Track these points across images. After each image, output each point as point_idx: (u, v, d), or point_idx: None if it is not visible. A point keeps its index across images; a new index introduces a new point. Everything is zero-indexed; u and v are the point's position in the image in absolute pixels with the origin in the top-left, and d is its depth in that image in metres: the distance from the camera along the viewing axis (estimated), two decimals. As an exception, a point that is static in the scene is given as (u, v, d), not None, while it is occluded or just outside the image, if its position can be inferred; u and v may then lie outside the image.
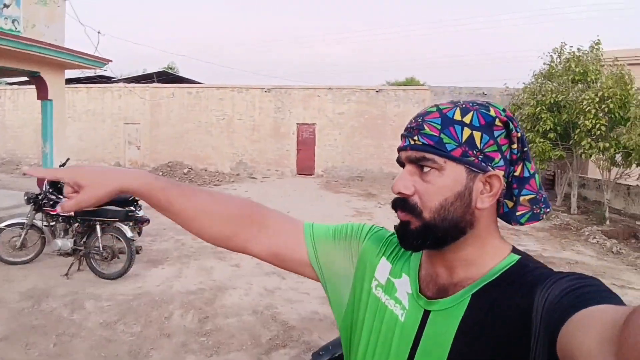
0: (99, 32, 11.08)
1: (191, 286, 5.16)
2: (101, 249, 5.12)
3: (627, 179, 10.32)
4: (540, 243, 8.27)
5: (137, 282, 5.17)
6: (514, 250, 0.73)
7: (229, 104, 18.20)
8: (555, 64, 12.39)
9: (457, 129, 0.69)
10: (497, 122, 0.70)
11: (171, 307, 4.51)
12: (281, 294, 5.01)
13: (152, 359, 3.53)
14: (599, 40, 11.70)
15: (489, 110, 0.70)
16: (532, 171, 0.73)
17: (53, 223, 5.36)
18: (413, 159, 0.71)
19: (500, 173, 0.70)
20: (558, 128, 11.21)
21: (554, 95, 10.84)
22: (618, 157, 9.93)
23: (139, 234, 5.85)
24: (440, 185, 0.69)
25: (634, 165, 9.50)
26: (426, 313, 0.72)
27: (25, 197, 5.40)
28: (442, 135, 0.69)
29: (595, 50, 11.61)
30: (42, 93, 8.91)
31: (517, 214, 0.74)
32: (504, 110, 0.72)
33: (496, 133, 0.70)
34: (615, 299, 0.55)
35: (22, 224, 5.37)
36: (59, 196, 5.34)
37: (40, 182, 6.10)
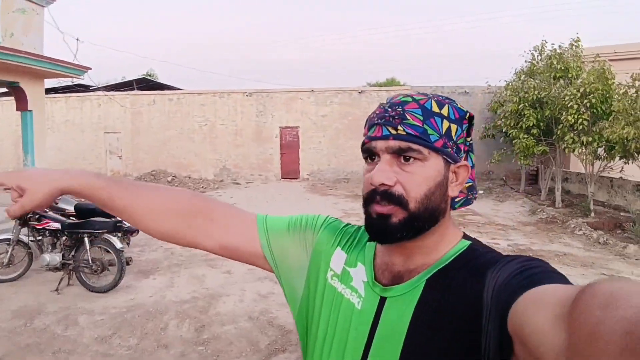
0: (77, 40, 10.90)
1: (184, 295, 5.11)
2: (90, 261, 5.02)
3: (610, 171, 10.49)
4: (528, 237, 8.40)
5: (129, 294, 5.09)
6: (465, 236, 0.76)
7: (211, 110, 18.06)
8: (537, 62, 12.60)
9: (437, 120, 0.70)
10: (467, 116, 0.74)
11: (166, 318, 4.46)
12: (275, 298, 4.99)
13: (150, 373, 3.50)
14: (578, 37, 11.97)
15: (457, 105, 0.74)
16: (474, 161, 0.78)
17: (40, 237, 5.24)
18: (396, 149, 0.70)
19: (467, 163, 0.74)
20: (541, 124, 11.39)
21: (536, 92, 11.01)
22: (601, 151, 10.11)
23: (128, 244, 5.77)
24: (425, 176, 0.69)
25: (617, 158, 9.68)
26: (382, 300, 0.73)
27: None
28: (425, 126, 0.69)
29: (575, 47, 11.85)
30: (22, 104, 8.74)
31: (455, 199, 0.77)
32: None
33: (464, 126, 0.74)
34: (561, 279, 0.57)
35: (8, 240, 5.24)
36: (45, 210, 5.24)
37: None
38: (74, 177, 0.81)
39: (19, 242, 5.28)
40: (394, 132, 0.70)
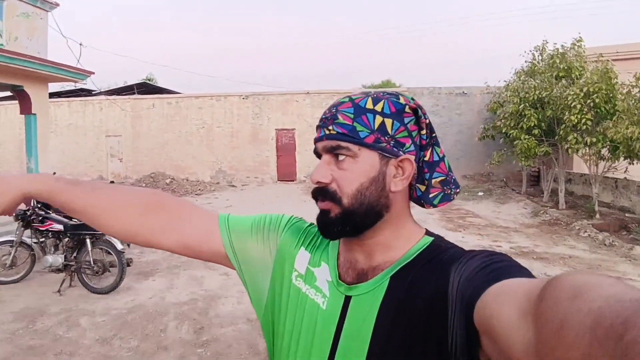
0: (80, 44, 10.99)
1: (183, 297, 5.14)
2: (92, 263, 5.07)
3: (614, 172, 10.38)
4: (531, 239, 8.33)
5: (130, 296, 5.13)
6: (428, 233, 0.77)
7: (208, 113, 18.18)
8: (538, 61, 12.52)
9: (369, 117, 0.71)
10: (407, 109, 0.73)
11: (166, 319, 4.48)
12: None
13: (150, 374, 3.53)
14: (580, 37, 11.86)
15: (398, 99, 0.73)
16: (441, 155, 0.77)
17: (42, 239, 5.29)
18: (329, 148, 0.72)
19: (412, 157, 0.73)
20: (542, 124, 11.29)
21: (537, 92, 10.92)
22: (605, 151, 10.00)
23: (129, 245, 5.82)
24: (356, 172, 0.71)
25: (621, 159, 9.58)
26: (347, 299, 0.73)
27: (13, 214, 5.32)
28: (355, 124, 0.70)
29: (577, 47, 11.76)
30: (26, 107, 8.79)
31: (430, 196, 0.77)
32: (412, 99, 0.75)
33: (406, 120, 0.73)
34: (526, 273, 0.58)
35: (11, 241, 5.30)
36: (48, 211, 5.29)
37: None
38: (34, 181, 0.81)
39: (21, 243, 5.34)
40: (327, 132, 0.73)
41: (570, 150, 10.38)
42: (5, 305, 4.80)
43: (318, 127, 0.75)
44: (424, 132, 0.75)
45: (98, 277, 5.18)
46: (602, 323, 0.33)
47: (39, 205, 5.31)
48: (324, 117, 0.75)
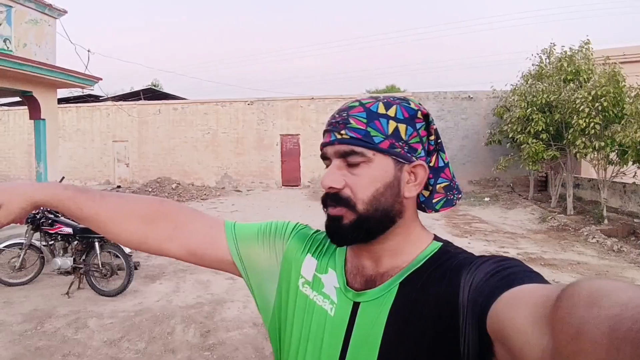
0: (88, 51, 11.13)
1: (190, 300, 5.16)
2: (100, 266, 5.11)
3: (622, 177, 10.25)
4: (539, 245, 8.26)
5: (137, 298, 5.15)
6: (436, 238, 0.76)
7: (214, 118, 18.34)
8: (545, 65, 12.39)
9: (382, 122, 0.70)
10: (419, 114, 0.73)
11: (173, 322, 4.49)
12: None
13: (157, 376, 3.54)
14: (588, 40, 11.73)
15: (409, 104, 0.73)
16: (446, 161, 0.77)
17: (52, 242, 5.33)
18: (342, 153, 0.71)
19: (424, 163, 0.73)
20: (550, 128, 11.17)
21: (545, 96, 10.80)
22: (613, 156, 9.90)
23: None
24: (370, 177, 0.70)
25: (630, 163, 9.48)
26: (356, 305, 0.72)
27: (23, 222, 5.38)
28: (369, 129, 0.70)
29: (584, 49, 11.63)
30: (35, 112, 8.91)
31: (433, 201, 0.78)
32: (420, 104, 0.76)
33: (418, 125, 0.72)
34: (538, 278, 0.57)
35: (21, 244, 5.35)
36: (57, 214, 5.34)
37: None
38: (43, 190, 0.81)
39: (31, 246, 5.39)
40: (339, 136, 0.71)
41: (578, 155, 10.27)
42: (14, 306, 4.84)
43: (327, 131, 0.74)
44: (432, 137, 0.75)
45: (106, 279, 5.22)
46: (620, 329, 0.33)
47: (48, 209, 5.36)
48: (333, 120, 0.73)
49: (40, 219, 5.27)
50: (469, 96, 16.57)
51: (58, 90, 9.71)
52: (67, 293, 5.14)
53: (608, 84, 9.38)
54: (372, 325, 0.69)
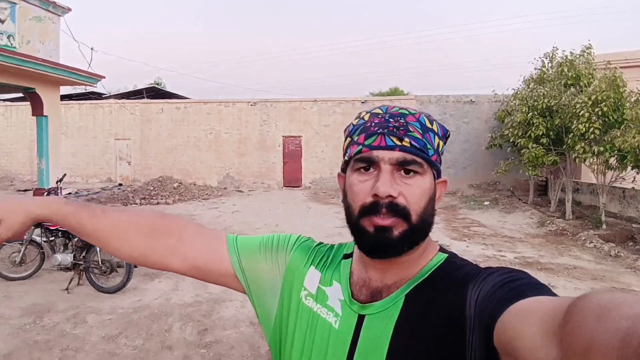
0: (92, 49, 11.18)
1: (188, 299, 5.20)
2: (100, 263, 5.15)
3: (622, 182, 10.26)
4: (536, 249, 8.28)
5: (136, 296, 5.20)
6: (441, 249, 0.76)
7: (216, 118, 18.39)
8: (547, 69, 12.34)
9: (431, 136, 0.71)
10: (448, 134, 0.76)
11: (170, 320, 4.53)
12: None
13: (154, 372, 3.57)
14: (590, 44, 11.66)
15: (439, 123, 0.75)
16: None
17: (52, 238, 5.38)
18: (402, 161, 0.68)
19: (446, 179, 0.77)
20: (551, 133, 11.15)
21: (546, 100, 10.79)
22: (612, 160, 9.88)
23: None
24: (424, 189, 0.69)
25: (629, 168, 9.47)
26: (361, 317, 0.72)
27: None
28: (424, 140, 0.69)
29: (586, 54, 11.57)
30: (38, 109, 8.95)
31: None
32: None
33: (446, 143, 0.75)
34: (546, 291, 0.57)
35: (21, 240, 5.41)
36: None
37: (38, 196, 6.13)
38: (43, 205, 0.82)
39: (31, 242, 5.44)
40: (399, 143, 0.68)
41: (577, 160, 10.28)
42: (13, 300, 4.89)
43: (378, 134, 0.70)
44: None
45: (106, 276, 5.26)
46: (631, 343, 0.33)
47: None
48: (389, 124, 0.70)
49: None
50: (471, 100, 16.59)
51: (61, 86, 9.76)
52: (67, 289, 5.19)
53: (608, 89, 9.37)
54: (377, 338, 0.69)
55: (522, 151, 11.65)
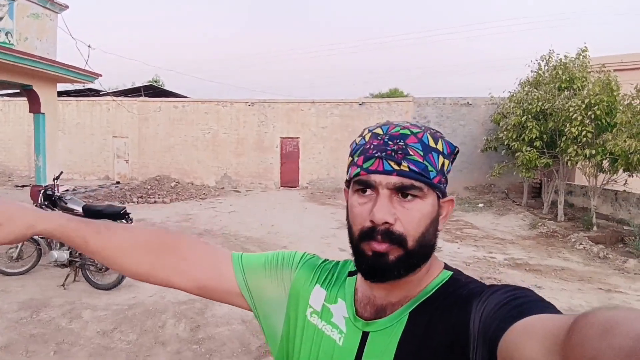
0: (89, 46, 11.17)
1: (182, 297, 5.24)
2: (96, 260, 5.22)
3: (613, 184, 10.36)
4: (526, 251, 8.37)
5: (131, 293, 5.27)
6: (446, 267, 0.76)
7: (214, 118, 18.41)
8: (543, 72, 12.39)
9: (434, 156, 0.69)
10: (456, 151, 0.75)
11: (164, 317, 4.61)
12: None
13: (147, 367, 3.64)
14: (585, 47, 11.70)
15: (447, 139, 0.74)
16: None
17: (49, 235, 5.46)
18: (400, 187, 0.67)
19: (454, 197, 0.76)
20: (544, 136, 11.23)
21: (540, 104, 10.87)
22: (605, 163, 9.98)
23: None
24: (423, 213, 0.68)
25: (620, 171, 9.56)
26: (365, 334, 0.72)
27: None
28: (425, 162, 0.68)
29: (581, 57, 11.62)
30: (35, 106, 8.99)
31: None
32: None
33: (453, 160, 0.74)
34: (550, 308, 0.57)
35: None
36: (54, 209, 5.47)
37: (34, 194, 6.20)
38: (46, 220, 0.80)
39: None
40: (397, 167, 0.67)
41: (570, 163, 10.38)
42: (10, 295, 4.97)
43: (376, 157, 0.69)
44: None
45: (101, 273, 5.34)
46: None
47: (46, 203, 5.49)
48: (387, 148, 0.69)
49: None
50: (468, 102, 16.63)
51: (58, 84, 9.81)
52: (63, 285, 5.27)
53: (602, 93, 9.44)
54: (381, 354, 0.69)
55: (517, 154, 11.72)
